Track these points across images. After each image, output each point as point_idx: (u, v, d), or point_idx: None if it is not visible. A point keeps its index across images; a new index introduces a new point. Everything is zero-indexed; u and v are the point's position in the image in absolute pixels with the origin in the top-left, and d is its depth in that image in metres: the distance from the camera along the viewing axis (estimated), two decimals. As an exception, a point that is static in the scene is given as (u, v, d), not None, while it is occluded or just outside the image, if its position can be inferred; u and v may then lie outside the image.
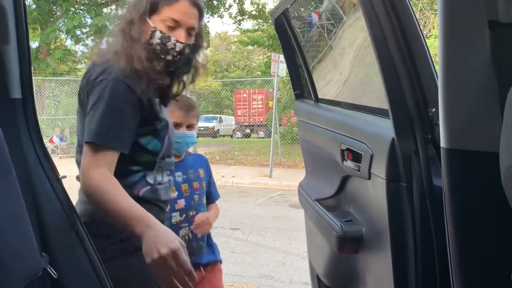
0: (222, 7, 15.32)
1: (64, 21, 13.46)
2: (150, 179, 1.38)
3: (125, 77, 1.28)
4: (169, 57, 1.33)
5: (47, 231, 1.15)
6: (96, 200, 1.21)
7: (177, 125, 1.84)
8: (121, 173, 1.29)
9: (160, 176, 1.42)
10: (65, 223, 1.18)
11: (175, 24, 1.32)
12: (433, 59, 1.24)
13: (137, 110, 1.30)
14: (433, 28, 10.37)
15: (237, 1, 14.85)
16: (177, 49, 1.33)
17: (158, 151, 1.39)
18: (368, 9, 1.26)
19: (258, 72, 23.11)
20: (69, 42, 14.38)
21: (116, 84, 1.26)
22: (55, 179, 1.20)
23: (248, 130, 19.14)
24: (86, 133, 1.26)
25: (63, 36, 14.09)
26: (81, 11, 13.83)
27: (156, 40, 1.31)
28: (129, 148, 1.29)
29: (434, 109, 1.19)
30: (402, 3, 1.24)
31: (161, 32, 1.31)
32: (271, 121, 10.35)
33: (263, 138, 17.73)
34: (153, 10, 1.32)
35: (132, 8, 1.34)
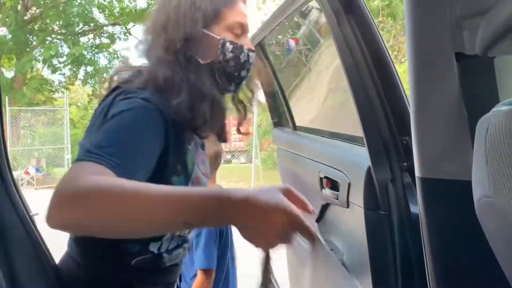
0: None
1: (40, 51, 13.36)
2: (153, 248, 1.03)
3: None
4: (243, 73, 1.02)
5: (17, 274, 1.10)
6: (105, 207, 0.68)
7: None
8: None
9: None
10: (37, 265, 1.13)
11: (242, 30, 1.02)
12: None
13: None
14: (407, 52, 10.61)
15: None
16: (251, 60, 1.02)
17: None
18: (340, 39, 1.28)
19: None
20: (46, 72, 14.26)
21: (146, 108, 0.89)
22: (26, 218, 1.16)
23: (228, 156, 19.08)
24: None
25: (39, 65, 13.96)
26: (58, 41, 13.76)
27: (228, 54, 0.99)
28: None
29: (408, 137, 1.21)
30: (372, 33, 1.27)
31: (231, 42, 0.99)
32: (252, 147, 10.32)
33: (244, 163, 17.68)
34: (212, 18, 0.99)
35: (176, 24, 0.98)
